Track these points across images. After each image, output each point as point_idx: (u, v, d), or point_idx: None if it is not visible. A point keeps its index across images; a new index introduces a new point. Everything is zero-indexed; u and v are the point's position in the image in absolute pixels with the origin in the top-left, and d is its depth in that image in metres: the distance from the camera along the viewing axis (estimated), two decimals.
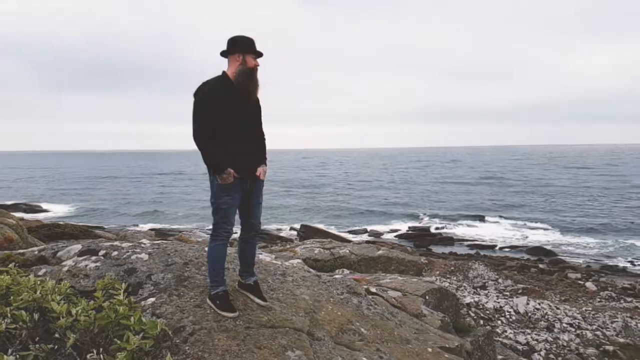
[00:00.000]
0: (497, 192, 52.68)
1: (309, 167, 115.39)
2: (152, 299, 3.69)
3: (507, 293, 13.72)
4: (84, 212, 42.22)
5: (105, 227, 27.71)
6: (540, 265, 20.17)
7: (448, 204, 44.16)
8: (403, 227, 33.13)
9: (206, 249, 4.32)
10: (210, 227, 3.82)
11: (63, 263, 4.33)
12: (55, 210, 41.99)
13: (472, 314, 9.77)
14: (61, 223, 12.65)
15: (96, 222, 33.82)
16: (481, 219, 35.46)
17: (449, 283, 13.45)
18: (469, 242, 27.67)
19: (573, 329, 9.81)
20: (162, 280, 4.00)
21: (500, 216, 36.28)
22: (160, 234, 24.29)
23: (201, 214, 38.44)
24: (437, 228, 32.39)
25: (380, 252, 11.65)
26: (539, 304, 10.93)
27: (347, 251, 11.54)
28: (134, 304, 3.34)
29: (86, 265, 4.12)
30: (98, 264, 4.15)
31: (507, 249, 25.79)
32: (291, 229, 31.98)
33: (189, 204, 46.74)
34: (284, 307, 4.00)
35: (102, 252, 4.39)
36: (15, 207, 38.44)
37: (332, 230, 30.66)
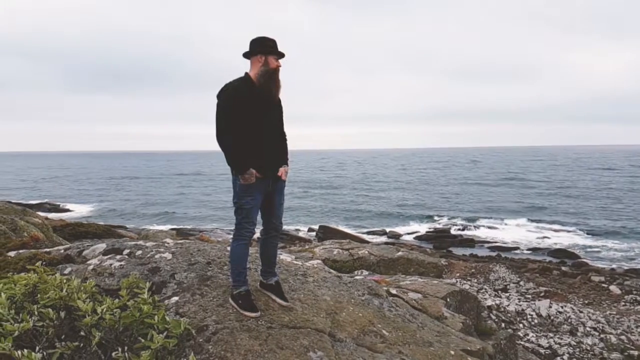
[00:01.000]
0: (518, 194, 52.01)
1: (327, 168, 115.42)
2: (176, 298, 3.73)
3: (529, 296, 13.56)
4: (106, 211, 42.85)
5: (127, 226, 28.07)
6: (563, 268, 19.86)
7: (468, 205, 43.75)
8: (422, 228, 32.91)
9: (228, 248, 4.34)
10: (232, 227, 3.84)
11: (88, 262, 4.39)
12: (78, 210, 42.71)
13: (494, 317, 9.67)
14: (85, 222, 12.84)
15: (118, 221, 34.29)
16: (502, 220, 35.05)
17: (470, 285, 13.34)
18: (490, 244, 27.36)
19: (597, 333, 9.64)
20: (186, 279, 4.04)
21: (522, 218, 35.83)
22: (181, 233, 24.53)
23: (221, 214, 38.72)
24: (457, 229, 32.11)
25: (399, 253, 11.58)
26: (562, 307, 10.77)
27: (366, 252, 11.49)
28: (158, 302, 3.38)
29: (111, 264, 4.17)
30: (122, 262, 4.20)
31: (528, 251, 25.45)
32: (310, 229, 32.01)
33: (208, 204, 47.14)
34: (305, 308, 4.00)
35: (126, 252, 4.44)
36: (40, 207, 39.16)
37: (351, 231, 30.61)
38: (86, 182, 75.36)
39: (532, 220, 34.77)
